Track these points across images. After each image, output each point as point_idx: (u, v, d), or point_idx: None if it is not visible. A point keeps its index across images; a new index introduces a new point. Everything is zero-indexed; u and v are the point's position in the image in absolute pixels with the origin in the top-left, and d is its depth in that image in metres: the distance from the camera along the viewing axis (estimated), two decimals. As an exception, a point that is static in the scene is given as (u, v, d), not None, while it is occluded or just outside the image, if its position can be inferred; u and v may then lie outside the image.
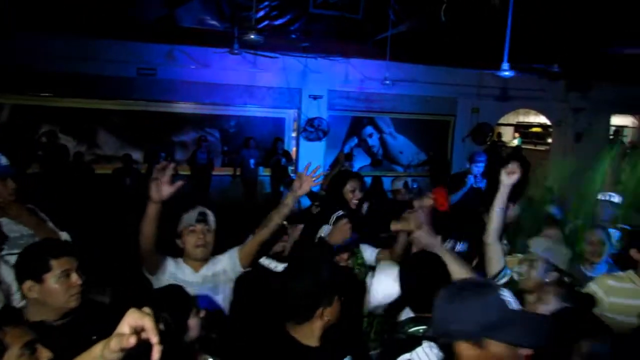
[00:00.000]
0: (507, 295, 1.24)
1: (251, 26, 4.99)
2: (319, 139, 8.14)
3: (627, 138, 11.68)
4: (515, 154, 10.63)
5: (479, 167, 6.16)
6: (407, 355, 1.60)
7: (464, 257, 2.17)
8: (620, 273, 2.50)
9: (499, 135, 11.82)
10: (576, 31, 5.93)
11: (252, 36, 4.76)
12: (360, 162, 8.91)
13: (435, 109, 9.28)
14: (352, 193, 2.84)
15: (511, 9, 4.05)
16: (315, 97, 8.01)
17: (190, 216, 2.21)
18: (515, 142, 13.16)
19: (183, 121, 8.22)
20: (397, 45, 7.07)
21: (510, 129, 14.13)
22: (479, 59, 6.90)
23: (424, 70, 8.54)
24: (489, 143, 10.36)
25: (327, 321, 1.70)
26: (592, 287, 2.47)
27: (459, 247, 2.39)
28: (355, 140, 8.88)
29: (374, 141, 9.00)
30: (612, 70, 8.05)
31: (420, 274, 1.91)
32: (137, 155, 7.55)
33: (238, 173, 7.87)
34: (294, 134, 8.70)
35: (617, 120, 11.30)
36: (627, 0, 5.10)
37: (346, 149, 8.74)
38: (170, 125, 8.16)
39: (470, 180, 5.36)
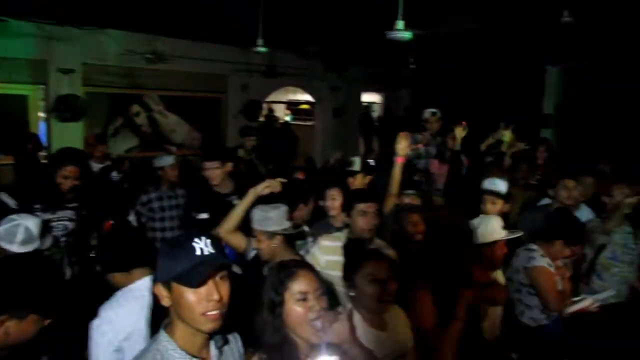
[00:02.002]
0: (200, 243, 1.40)
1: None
2: (75, 119, 7.26)
3: (376, 113, 13.51)
4: (286, 129, 11.33)
5: (250, 140, 6.39)
6: None
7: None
8: (336, 233, 2.87)
9: (271, 111, 12.38)
10: (330, 15, 6.48)
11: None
12: (129, 142, 8.31)
13: (206, 86, 9.19)
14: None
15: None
16: (66, 72, 7.07)
17: None
18: (287, 119, 13.98)
19: None
20: (162, 19, 6.72)
21: (283, 106, 14.95)
22: (239, 36, 7.05)
23: (192, 46, 8.34)
24: (262, 119, 10.78)
25: None
26: (312, 250, 2.80)
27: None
28: (120, 120, 8.20)
29: (141, 120, 8.45)
30: (361, 51, 9.15)
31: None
32: None
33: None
34: (41, 115, 7.58)
35: (367, 97, 12.94)
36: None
37: (111, 129, 8.03)
38: None
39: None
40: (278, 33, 6.12)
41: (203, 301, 1.38)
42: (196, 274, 1.37)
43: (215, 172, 3.70)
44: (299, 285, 1.63)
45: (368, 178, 4.06)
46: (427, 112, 5.48)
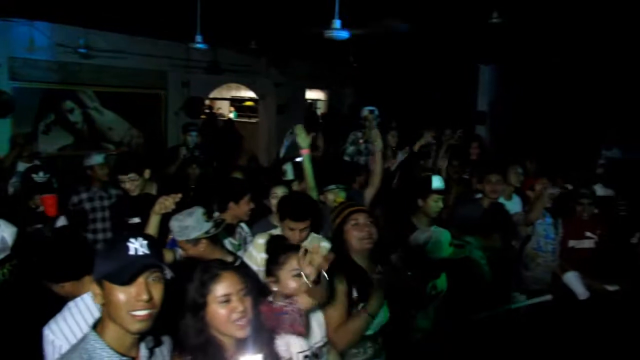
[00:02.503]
0: (135, 243, 1.44)
1: None
2: (1, 115, 6.87)
3: (320, 110, 13.61)
4: (229, 126, 11.21)
5: (192, 137, 6.22)
6: None
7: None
8: (272, 230, 2.92)
9: (210, 108, 12.20)
10: (272, 12, 6.46)
11: None
12: (62, 140, 7.94)
13: (145, 82, 8.92)
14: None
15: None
16: (-10, 66, 6.67)
17: None
18: (231, 116, 13.83)
19: None
20: (95, 11, 6.46)
21: (227, 103, 14.75)
22: (178, 31, 6.89)
23: (129, 40, 8.08)
24: (205, 117, 10.61)
25: None
26: (249, 249, 2.84)
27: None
28: (52, 117, 7.82)
29: (75, 117, 8.10)
30: (303, 48, 9.19)
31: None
32: None
33: None
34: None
35: (311, 94, 13.01)
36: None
37: (42, 126, 7.64)
38: None
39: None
40: (219, 29, 6.05)
41: (132, 300, 1.40)
42: (126, 272, 1.39)
43: (134, 184, 3.67)
44: (221, 288, 1.65)
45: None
46: (365, 110, 5.62)
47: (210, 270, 1.68)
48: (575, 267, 3.59)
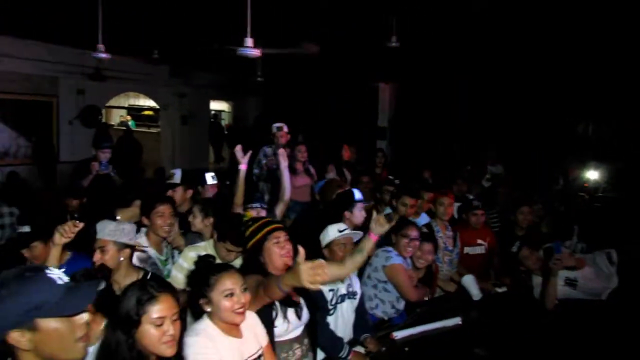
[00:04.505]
0: (55, 273, 1.35)
1: None
2: None
3: (225, 121, 13.50)
4: (127, 136, 10.68)
5: (105, 153, 5.61)
6: None
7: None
8: (201, 243, 2.91)
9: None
10: (176, 21, 6.34)
11: None
12: None
13: (34, 88, 8.26)
14: None
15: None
16: None
17: None
18: (130, 124, 13.20)
19: None
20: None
21: (124, 112, 14.06)
22: (75, 36, 6.53)
23: (14, 43, 7.44)
24: (100, 126, 10.01)
25: None
26: (179, 261, 2.81)
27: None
28: None
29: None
30: (208, 60, 9.09)
31: None
32: None
33: None
34: None
35: (215, 105, 12.86)
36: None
37: None
38: None
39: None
40: (118, 36, 5.81)
41: (80, 329, 1.35)
42: (70, 303, 1.32)
43: None
44: (157, 311, 1.67)
45: (189, 192, 4.03)
46: (274, 127, 5.72)
47: (148, 290, 1.69)
48: (470, 271, 3.96)
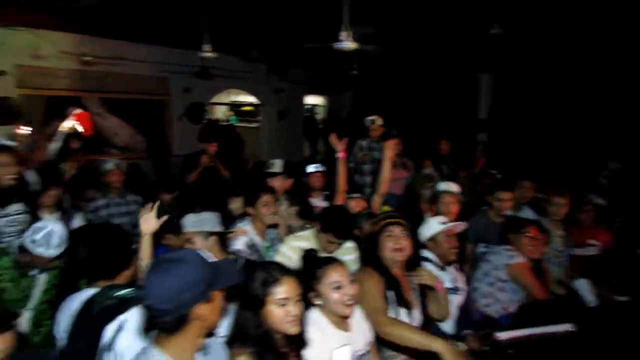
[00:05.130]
0: (202, 252, 1.56)
1: None
2: (9, 122, 6.90)
3: (319, 115, 13.70)
4: (230, 130, 11.25)
5: (213, 147, 5.93)
6: (123, 316, 1.82)
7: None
8: (303, 232, 2.98)
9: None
10: (273, 20, 6.56)
11: None
12: (66, 147, 7.95)
13: (147, 88, 8.97)
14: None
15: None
16: (-3, 73, 6.71)
17: None
18: (232, 120, 13.85)
19: None
20: (95, 19, 6.54)
21: (224, 108, 14.78)
22: (181, 38, 6.97)
23: (130, 47, 8.14)
24: (205, 122, 10.65)
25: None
26: (282, 249, 2.89)
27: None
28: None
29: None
30: (303, 58, 9.28)
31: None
32: None
33: None
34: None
35: (310, 99, 13.09)
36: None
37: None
38: None
39: None
40: (221, 37, 6.14)
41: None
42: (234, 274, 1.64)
43: None
44: (281, 292, 1.79)
45: (288, 181, 4.08)
46: (368, 120, 5.71)
47: (272, 273, 1.81)
48: (580, 275, 3.66)
